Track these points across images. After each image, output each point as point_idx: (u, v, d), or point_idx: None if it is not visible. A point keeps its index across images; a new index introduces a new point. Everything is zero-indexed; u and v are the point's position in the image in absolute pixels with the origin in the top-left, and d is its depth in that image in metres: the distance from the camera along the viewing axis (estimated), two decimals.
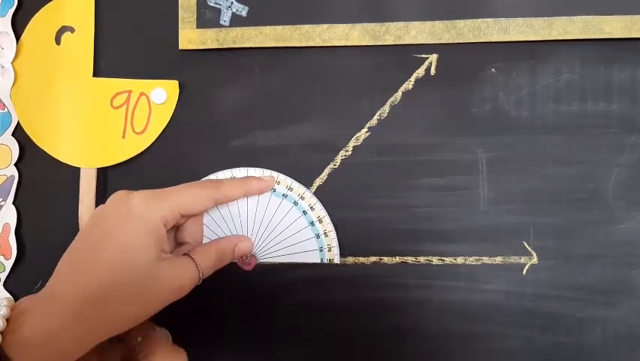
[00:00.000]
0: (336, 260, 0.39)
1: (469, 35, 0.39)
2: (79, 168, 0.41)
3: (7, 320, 0.29)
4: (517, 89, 0.39)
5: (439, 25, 0.39)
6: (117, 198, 0.34)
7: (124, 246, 0.32)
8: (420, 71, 0.40)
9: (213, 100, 0.41)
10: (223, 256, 0.37)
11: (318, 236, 0.39)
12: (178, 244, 0.37)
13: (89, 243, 0.33)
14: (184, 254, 0.35)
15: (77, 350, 0.30)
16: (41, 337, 0.29)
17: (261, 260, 0.40)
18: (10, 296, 0.30)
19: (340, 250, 0.39)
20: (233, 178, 0.39)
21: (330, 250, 0.39)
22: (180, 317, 0.36)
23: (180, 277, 0.33)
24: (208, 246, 0.37)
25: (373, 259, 0.39)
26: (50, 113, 0.42)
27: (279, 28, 0.40)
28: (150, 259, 0.32)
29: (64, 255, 0.33)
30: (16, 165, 0.42)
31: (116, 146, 0.41)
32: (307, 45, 0.40)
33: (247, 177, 0.39)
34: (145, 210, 0.33)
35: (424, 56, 0.40)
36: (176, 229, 0.37)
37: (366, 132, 0.40)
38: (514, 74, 0.39)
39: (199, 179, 0.39)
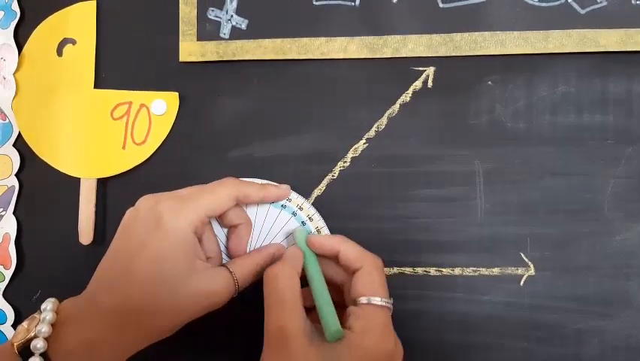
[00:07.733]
0: None
1: (465, 48, 0.39)
2: (79, 179, 0.42)
3: (53, 325, 0.29)
4: (513, 101, 0.39)
5: (436, 38, 0.39)
6: (145, 205, 0.34)
7: (155, 259, 0.32)
8: (417, 84, 0.40)
9: (213, 111, 0.41)
10: (263, 266, 0.36)
11: None
12: (232, 226, 0.37)
13: (124, 252, 0.33)
14: (221, 265, 0.35)
15: (115, 360, 0.31)
16: (84, 348, 0.30)
17: None
18: (54, 299, 0.31)
19: None
20: (252, 181, 0.39)
21: None
22: None
23: (214, 289, 0.33)
24: (246, 256, 0.36)
25: None
26: (51, 124, 0.42)
27: (278, 40, 0.40)
28: (181, 271, 0.32)
29: (105, 257, 0.33)
30: (16, 175, 0.42)
31: (116, 157, 0.41)
32: (306, 58, 0.40)
33: (266, 183, 0.38)
34: (173, 221, 0.32)
35: (421, 68, 0.40)
36: (220, 217, 0.37)
37: (365, 144, 0.40)
38: (511, 86, 0.39)
39: None
